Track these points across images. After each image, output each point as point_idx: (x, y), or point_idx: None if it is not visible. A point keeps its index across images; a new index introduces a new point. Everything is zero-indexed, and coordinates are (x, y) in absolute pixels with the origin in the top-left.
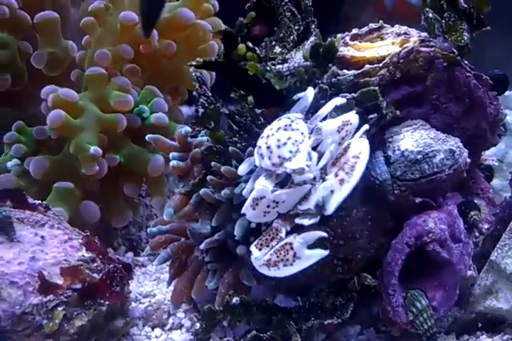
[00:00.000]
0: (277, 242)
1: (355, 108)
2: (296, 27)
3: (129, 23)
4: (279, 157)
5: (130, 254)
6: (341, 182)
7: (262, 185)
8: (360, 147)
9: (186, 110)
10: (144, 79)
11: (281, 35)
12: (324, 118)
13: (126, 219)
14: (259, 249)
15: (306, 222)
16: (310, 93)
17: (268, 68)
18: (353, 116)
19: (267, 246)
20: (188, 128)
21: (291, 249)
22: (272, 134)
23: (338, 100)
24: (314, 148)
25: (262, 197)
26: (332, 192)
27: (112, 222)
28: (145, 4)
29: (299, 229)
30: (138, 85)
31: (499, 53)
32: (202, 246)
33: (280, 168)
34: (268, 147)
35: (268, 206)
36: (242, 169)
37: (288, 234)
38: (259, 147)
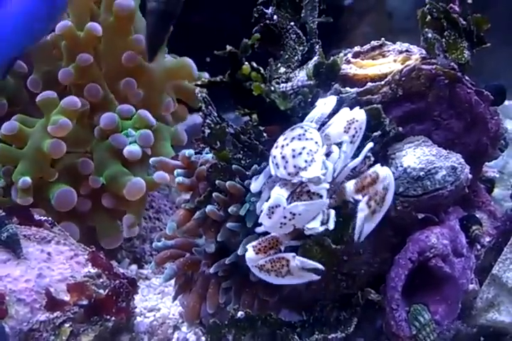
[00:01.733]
0: (275, 252)
1: None
2: (301, 48)
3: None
4: (295, 167)
5: (134, 267)
6: (373, 212)
7: (278, 193)
8: (388, 178)
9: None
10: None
11: (287, 56)
12: None
13: (116, 242)
14: (256, 253)
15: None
16: (321, 104)
17: (273, 89)
18: (357, 113)
19: (265, 252)
20: (191, 151)
21: (287, 266)
22: (287, 144)
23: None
24: (327, 155)
25: (278, 205)
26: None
27: (101, 243)
28: (151, 32)
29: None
30: (136, 98)
31: (496, 62)
32: (211, 270)
33: (296, 177)
34: (283, 157)
35: (285, 217)
36: (255, 186)
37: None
38: (274, 157)
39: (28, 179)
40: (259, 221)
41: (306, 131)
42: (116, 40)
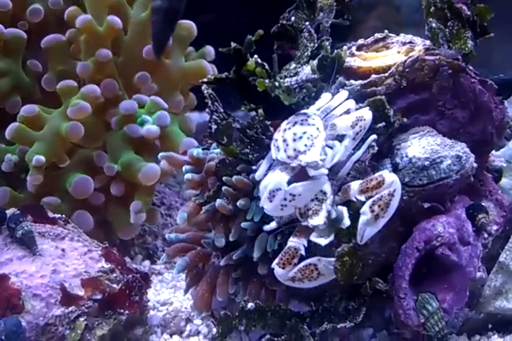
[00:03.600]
0: (298, 260)
1: None
2: (311, 44)
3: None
4: (295, 150)
5: (147, 263)
6: (376, 217)
7: (278, 176)
8: (395, 184)
9: (197, 117)
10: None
11: (299, 54)
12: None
13: (132, 232)
14: (283, 268)
15: (322, 241)
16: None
17: (277, 84)
18: (366, 112)
19: (290, 264)
20: (199, 150)
21: (316, 269)
22: (289, 128)
23: (351, 103)
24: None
25: (278, 188)
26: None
27: (118, 234)
28: (156, 30)
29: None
30: (150, 92)
31: (503, 56)
32: (221, 263)
33: (295, 160)
34: (284, 140)
35: (285, 199)
36: (259, 173)
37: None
38: (276, 140)
39: (42, 157)
40: (260, 205)
41: (308, 117)
42: (143, 35)
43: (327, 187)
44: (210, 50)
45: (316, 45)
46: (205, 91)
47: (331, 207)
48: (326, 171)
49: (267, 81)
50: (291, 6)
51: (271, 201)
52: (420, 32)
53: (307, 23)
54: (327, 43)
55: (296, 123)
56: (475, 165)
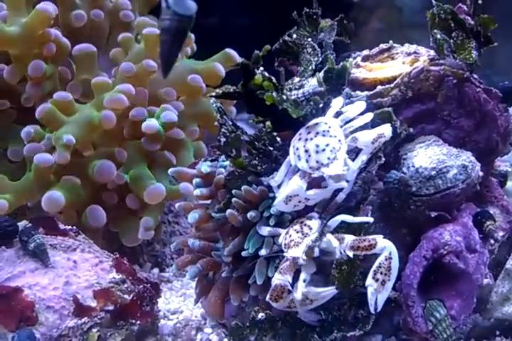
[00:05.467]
0: (287, 293)
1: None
2: (315, 58)
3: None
4: (317, 162)
5: (155, 270)
6: (383, 283)
7: (297, 184)
8: (388, 248)
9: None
10: None
11: (302, 69)
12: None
13: (137, 239)
14: (276, 301)
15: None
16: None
17: (285, 97)
18: (387, 129)
19: (281, 298)
20: (207, 164)
21: (307, 298)
22: (311, 138)
23: (369, 116)
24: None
25: (296, 195)
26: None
27: (123, 241)
28: (164, 50)
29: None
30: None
31: (506, 57)
32: (223, 275)
33: (317, 171)
34: (306, 150)
35: (299, 201)
36: (278, 178)
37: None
38: (297, 148)
39: (72, 137)
40: (274, 204)
41: (330, 127)
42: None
43: (314, 224)
44: (233, 54)
45: (320, 59)
46: (214, 105)
47: (313, 242)
48: (346, 184)
49: (274, 94)
50: (293, 8)
51: (286, 204)
52: (422, 34)
53: (309, 39)
54: (331, 57)
55: (318, 133)
56: (481, 173)
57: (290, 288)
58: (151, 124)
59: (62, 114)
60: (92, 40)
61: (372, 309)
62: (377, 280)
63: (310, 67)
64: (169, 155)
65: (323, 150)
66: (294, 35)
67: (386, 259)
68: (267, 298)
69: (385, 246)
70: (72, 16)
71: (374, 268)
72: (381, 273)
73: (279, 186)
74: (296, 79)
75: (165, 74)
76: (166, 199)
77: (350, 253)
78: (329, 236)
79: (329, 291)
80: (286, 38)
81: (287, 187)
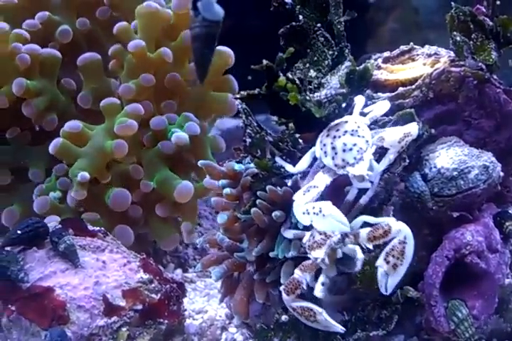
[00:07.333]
0: (301, 291)
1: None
2: (330, 52)
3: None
4: (343, 160)
5: (179, 271)
6: (394, 266)
7: (321, 178)
8: (403, 231)
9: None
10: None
11: (315, 58)
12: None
13: (174, 242)
14: (287, 294)
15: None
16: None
17: (308, 98)
18: (414, 128)
19: (293, 293)
20: (241, 165)
21: (314, 317)
22: (339, 136)
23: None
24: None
25: (316, 186)
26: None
27: (160, 245)
28: (198, 56)
29: None
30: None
31: None
32: (255, 277)
33: (342, 170)
34: (333, 148)
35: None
36: (301, 166)
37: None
38: (324, 144)
39: (86, 174)
40: (294, 196)
41: (359, 126)
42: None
43: None
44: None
45: (336, 52)
46: (239, 106)
47: (335, 244)
48: (369, 185)
49: (298, 95)
50: None
51: (304, 194)
52: (440, 33)
53: (319, 24)
54: (350, 53)
55: (346, 132)
56: (501, 173)
57: (304, 286)
58: (181, 136)
59: (74, 144)
60: (89, 48)
61: (383, 290)
62: (388, 262)
63: (326, 62)
64: (187, 154)
65: (350, 149)
66: (301, 17)
67: (400, 243)
68: (281, 287)
69: (399, 229)
70: (58, 32)
71: (387, 249)
72: (393, 257)
73: (301, 177)
74: (313, 74)
75: (202, 80)
76: (195, 199)
77: (370, 245)
78: (357, 248)
79: (334, 327)
80: (293, 23)
81: (312, 181)
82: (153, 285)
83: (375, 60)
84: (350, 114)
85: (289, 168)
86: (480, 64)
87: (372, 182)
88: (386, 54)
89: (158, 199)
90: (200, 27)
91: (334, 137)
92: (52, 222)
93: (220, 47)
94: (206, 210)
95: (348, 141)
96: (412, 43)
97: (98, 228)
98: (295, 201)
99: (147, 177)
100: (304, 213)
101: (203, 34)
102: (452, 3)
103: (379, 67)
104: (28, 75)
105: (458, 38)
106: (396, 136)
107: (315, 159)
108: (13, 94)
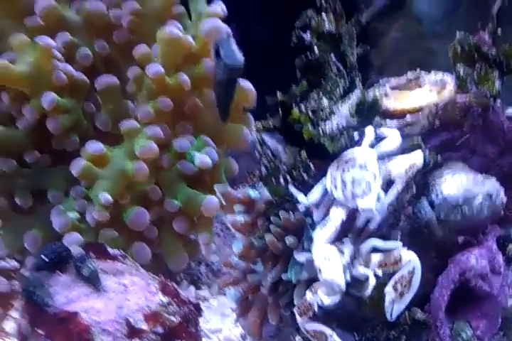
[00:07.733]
0: (312, 313)
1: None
2: (342, 81)
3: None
4: (352, 193)
5: (192, 288)
6: (401, 294)
7: (336, 212)
8: (413, 262)
9: None
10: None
11: (328, 87)
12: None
13: (182, 263)
14: (300, 315)
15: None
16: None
17: (321, 133)
18: (418, 158)
19: (306, 314)
20: (257, 194)
21: (326, 339)
22: (348, 170)
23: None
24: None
25: (331, 221)
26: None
27: (169, 266)
28: (221, 101)
29: None
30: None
31: None
32: (269, 300)
33: (351, 202)
34: (343, 181)
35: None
36: (313, 198)
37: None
38: (334, 178)
39: (109, 196)
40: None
41: (366, 161)
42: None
43: (346, 248)
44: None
45: (348, 82)
46: (255, 136)
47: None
48: (378, 217)
49: (311, 128)
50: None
51: (321, 229)
52: (442, 43)
53: (332, 55)
54: (357, 79)
55: (354, 166)
56: (505, 199)
57: (315, 308)
58: (205, 161)
59: (96, 166)
60: (107, 71)
61: (388, 316)
62: (396, 289)
63: (338, 91)
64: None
65: (359, 183)
66: (316, 50)
67: (409, 273)
68: (295, 309)
69: (409, 259)
70: (78, 56)
71: (396, 277)
72: (401, 285)
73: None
74: (325, 102)
75: (224, 120)
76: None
77: (380, 272)
78: (370, 273)
79: None
80: (310, 56)
81: (333, 222)
82: (171, 307)
83: (383, 85)
84: (360, 144)
85: (301, 198)
86: (484, 92)
87: (380, 212)
88: (393, 80)
89: (172, 218)
90: (223, 73)
91: (343, 170)
92: (73, 240)
93: (242, 83)
94: (217, 227)
95: (356, 175)
96: (418, 70)
97: (117, 251)
98: (315, 237)
99: (170, 196)
100: (317, 254)
101: (225, 80)
102: (458, 33)
103: (386, 95)
104: (60, 93)
105: (461, 72)
106: (402, 168)
107: (326, 190)
108: (42, 108)
